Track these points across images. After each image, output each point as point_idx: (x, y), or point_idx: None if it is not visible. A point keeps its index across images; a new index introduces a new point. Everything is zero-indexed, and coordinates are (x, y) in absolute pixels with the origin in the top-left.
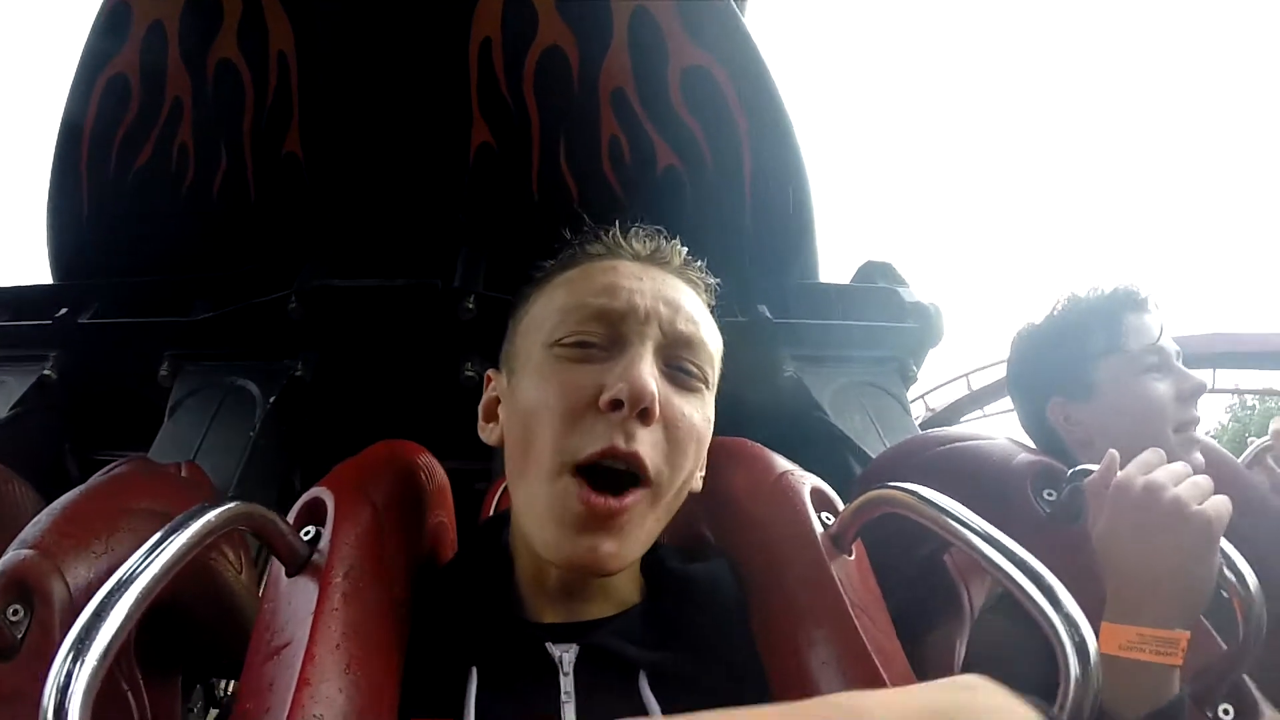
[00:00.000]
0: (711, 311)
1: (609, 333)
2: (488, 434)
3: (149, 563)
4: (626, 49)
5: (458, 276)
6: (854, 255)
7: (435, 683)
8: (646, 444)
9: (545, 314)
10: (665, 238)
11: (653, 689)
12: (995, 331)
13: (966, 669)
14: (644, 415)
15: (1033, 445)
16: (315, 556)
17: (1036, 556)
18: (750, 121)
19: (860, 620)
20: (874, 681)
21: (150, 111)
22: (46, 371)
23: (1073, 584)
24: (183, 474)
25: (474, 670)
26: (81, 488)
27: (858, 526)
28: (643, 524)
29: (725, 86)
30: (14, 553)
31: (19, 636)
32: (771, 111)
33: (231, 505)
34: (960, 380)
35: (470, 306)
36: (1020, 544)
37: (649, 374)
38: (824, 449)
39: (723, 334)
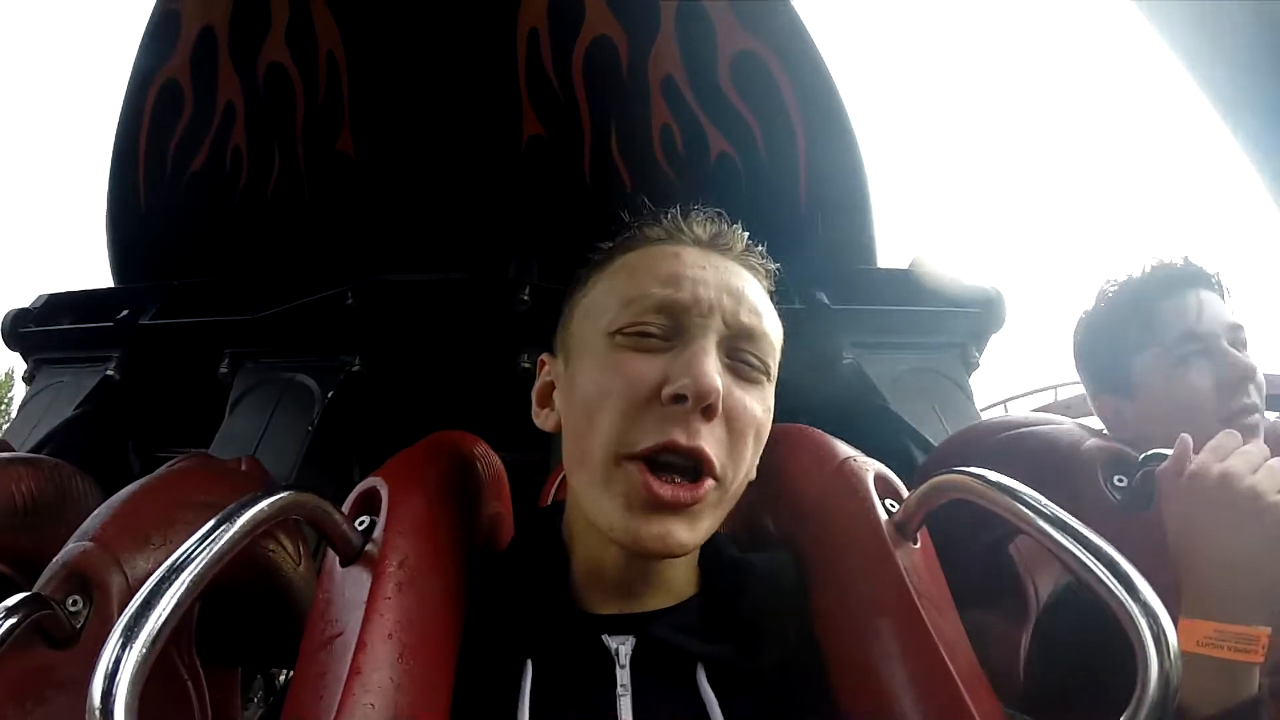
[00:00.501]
0: (771, 298)
1: (672, 324)
2: (543, 420)
3: (201, 551)
4: (674, 36)
5: (512, 269)
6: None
7: (490, 674)
8: (710, 439)
9: (605, 300)
10: (726, 222)
11: (710, 682)
12: None
13: (1031, 664)
14: (708, 411)
15: (1105, 431)
16: (369, 546)
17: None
18: (803, 105)
19: (927, 611)
20: (940, 675)
21: (203, 116)
22: (109, 372)
23: (1145, 574)
24: (243, 468)
25: (529, 662)
26: (141, 482)
27: (923, 514)
28: (713, 513)
29: (776, 71)
30: (74, 544)
31: (78, 626)
32: (824, 95)
33: (284, 494)
34: (1048, 391)
35: (525, 298)
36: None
37: (713, 369)
38: (885, 436)
39: (781, 321)
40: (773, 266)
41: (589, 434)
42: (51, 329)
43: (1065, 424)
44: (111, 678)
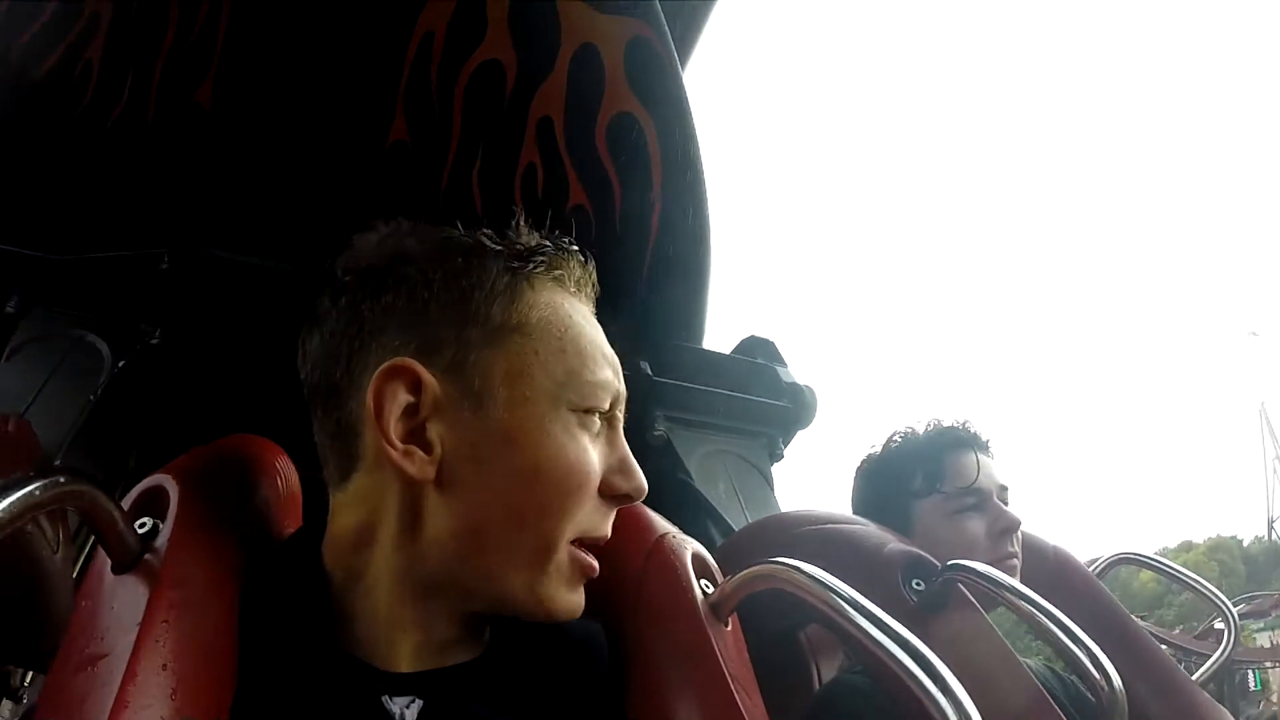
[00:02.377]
0: None
1: (607, 410)
2: (405, 459)
3: None
4: (565, 80)
5: None
6: (739, 326)
7: None
8: None
9: (553, 360)
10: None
11: None
12: None
13: None
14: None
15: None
16: (149, 555)
17: None
18: (667, 179)
19: (739, 695)
20: None
21: (66, 17)
22: None
23: None
24: (9, 428)
25: None
26: None
27: (739, 599)
28: None
29: (650, 139)
30: None
31: None
32: (690, 174)
33: (61, 481)
34: None
35: None
36: None
37: None
38: (686, 514)
39: None
40: None
41: (539, 515)
42: None
43: (869, 526)
44: None
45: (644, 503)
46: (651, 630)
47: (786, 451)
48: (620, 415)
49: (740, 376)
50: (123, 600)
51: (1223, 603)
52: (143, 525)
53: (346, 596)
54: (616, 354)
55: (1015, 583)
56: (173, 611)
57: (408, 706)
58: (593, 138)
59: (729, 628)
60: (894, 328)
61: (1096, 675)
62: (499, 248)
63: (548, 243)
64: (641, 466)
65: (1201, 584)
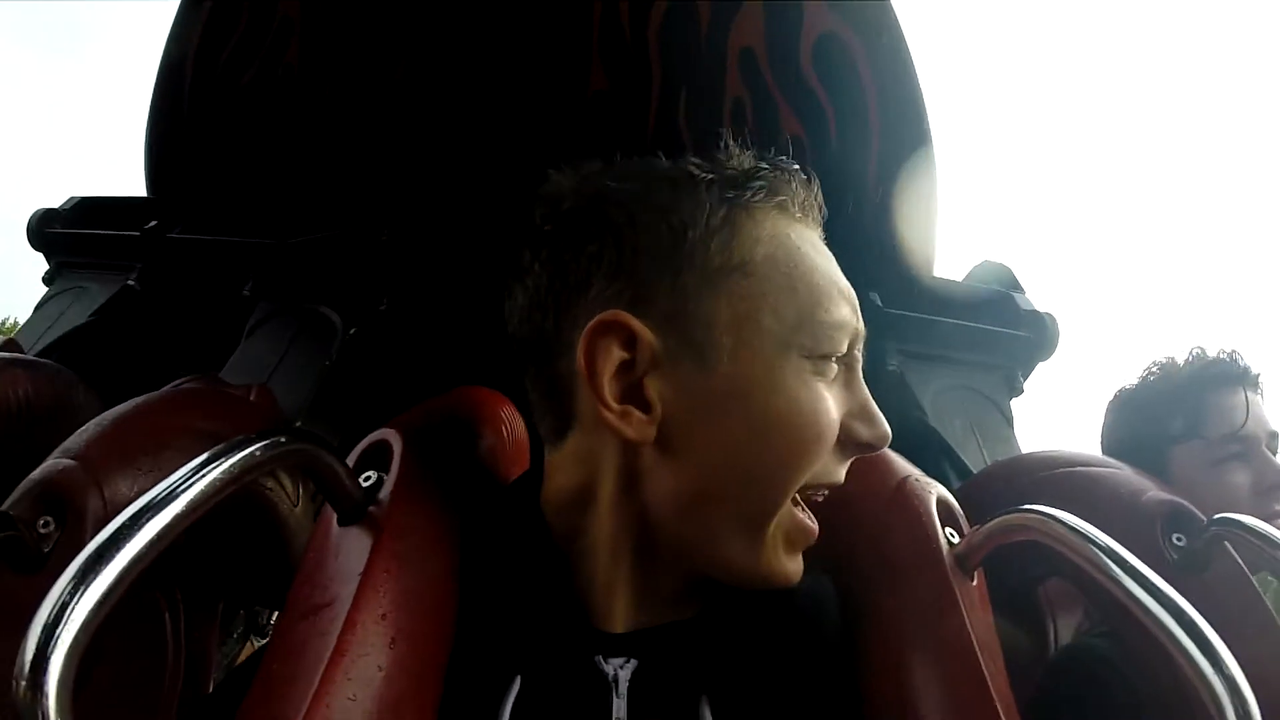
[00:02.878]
0: None
1: (845, 352)
2: (623, 420)
3: (182, 489)
4: (761, 8)
5: None
6: (972, 253)
7: (476, 681)
8: None
9: (780, 298)
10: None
11: (715, 716)
12: None
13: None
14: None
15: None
16: (373, 507)
17: None
18: (882, 99)
19: (986, 665)
20: (984, 709)
21: (259, 28)
22: (130, 282)
23: None
24: (252, 397)
25: (518, 678)
26: (137, 400)
27: (988, 550)
28: None
29: (859, 60)
30: (53, 461)
31: (46, 550)
32: (906, 92)
33: (283, 438)
34: None
35: None
36: None
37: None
38: (920, 454)
39: None
40: None
41: (770, 474)
42: (77, 233)
43: (1124, 469)
44: (52, 629)
45: None
46: (892, 584)
47: (1026, 386)
48: (859, 356)
49: (975, 305)
50: (346, 551)
51: None
52: (367, 479)
53: (565, 554)
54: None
55: None
56: (394, 562)
57: (621, 667)
58: (798, 64)
59: (974, 582)
60: (1150, 243)
61: None
62: (710, 176)
63: (764, 164)
64: (876, 402)
65: None
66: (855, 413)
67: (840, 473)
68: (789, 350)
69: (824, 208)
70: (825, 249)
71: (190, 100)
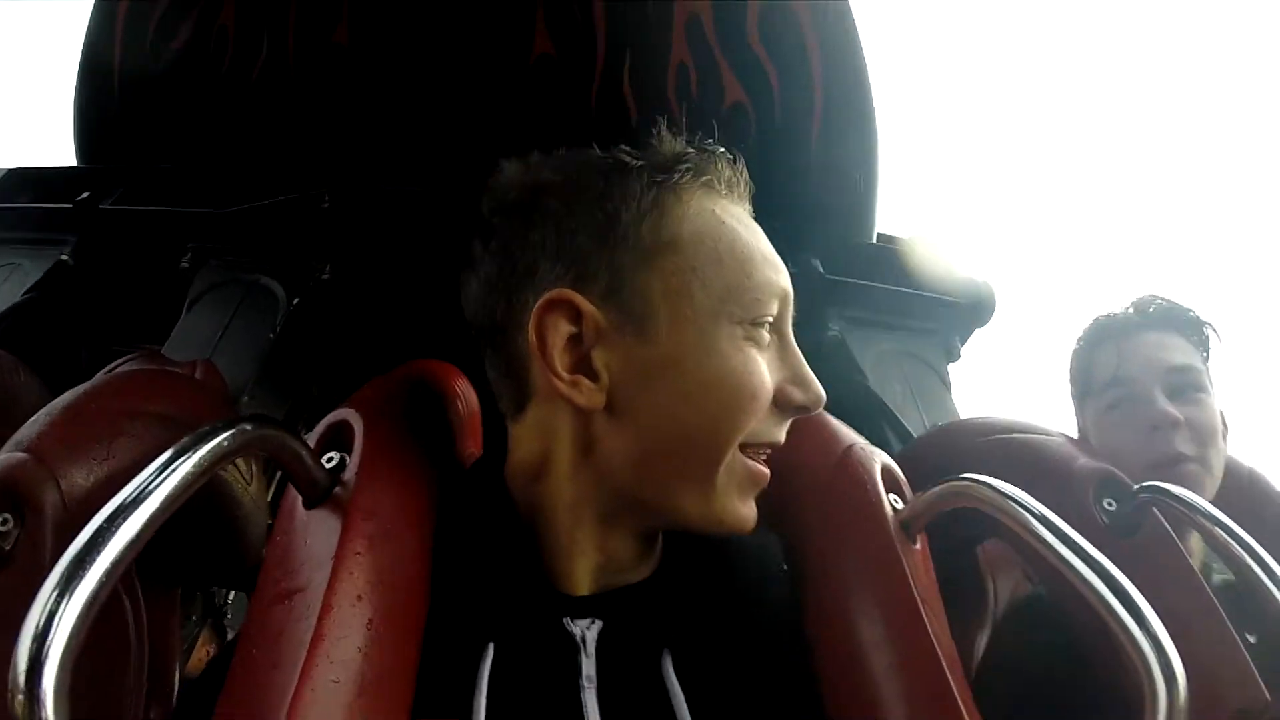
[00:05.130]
0: None
1: (776, 318)
2: (573, 389)
3: (150, 489)
4: None
5: None
6: (911, 220)
7: (451, 652)
8: None
9: (710, 270)
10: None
11: (677, 671)
12: None
13: (984, 670)
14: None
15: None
16: (338, 489)
17: None
18: (826, 64)
19: (930, 621)
20: (941, 693)
21: None
22: (64, 257)
23: None
24: (197, 374)
25: (490, 645)
26: (85, 386)
27: (930, 517)
28: None
29: (805, 25)
30: (6, 456)
31: (7, 548)
32: (849, 57)
33: (249, 427)
34: None
35: None
36: None
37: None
38: (861, 418)
39: None
40: None
41: (710, 433)
42: (6, 207)
43: (1056, 436)
44: (43, 638)
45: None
46: (837, 546)
47: (964, 352)
48: (789, 320)
49: (915, 272)
50: (315, 534)
51: None
52: (330, 459)
53: (530, 524)
54: (786, 252)
55: (1215, 511)
56: (364, 543)
57: (588, 628)
58: (744, 30)
59: (918, 546)
60: (1085, 206)
61: None
62: (640, 163)
63: (690, 148)
64: (815, 368)
65: None
66: (790, 378)
67: (779, 433)
68: (720, 318)
69: (751, 182)
70: (751, 222)
71: (121, 64)
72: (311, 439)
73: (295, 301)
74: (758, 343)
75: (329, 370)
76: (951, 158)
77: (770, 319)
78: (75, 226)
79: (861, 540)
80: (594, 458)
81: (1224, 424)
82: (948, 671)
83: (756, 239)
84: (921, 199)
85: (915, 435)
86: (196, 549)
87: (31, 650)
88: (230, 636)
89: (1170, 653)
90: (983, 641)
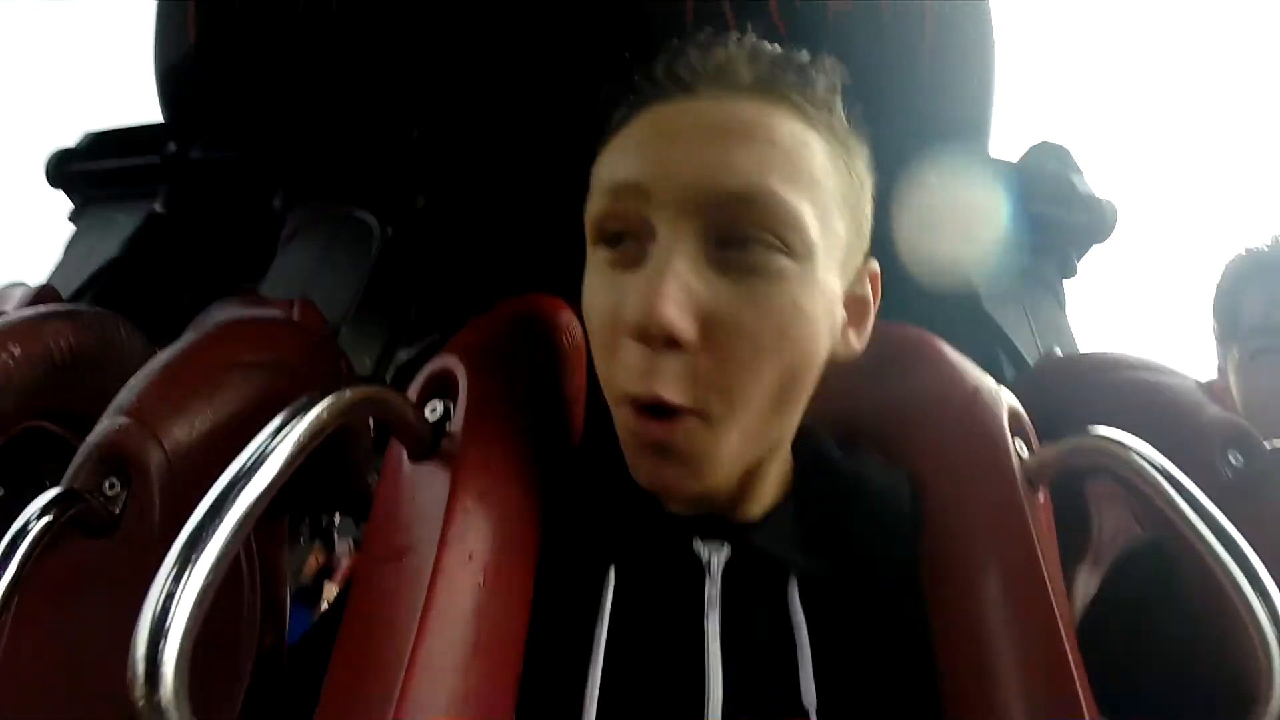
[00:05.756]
0: (833, 132)
1: (640, 221)
2: None
3: (257, 464)
4: None
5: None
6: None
7: (569, 584)
8: (676, 379)
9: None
10: (737, 41)
11: (802, 599)
12: None
13: (1095, 613)
14: (671, 345)
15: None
16: (445, 442)
17: None
18: None
19: (1050, 580)
20: (1055, 656)
21: None
22: (156, 207)
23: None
24: (294, 314)
25: (611, 569)
26: (181, 342)
27: (1058, 470)
28: (716, 446)
29: None
30: (109, 421)
31: (117, 512)
32: None
33: (347, 395)
34: None
35: None
36: None
37: (671, 289)
38: (971, 338)
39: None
40: (825, 87)
41: (600, 371)
42: (96, 167)
43: (1186, 379)
44: (161, 622)
45: (931, 323)
46: (959, 493)
47: (1080, 268)
48: (660, 214)
49: (1030, 186)
50: (423, 490)
51: None
52: (434, 409)
53: None
54: (897, 166)
55: None
56: (475, 500)
57: (716, 552)
58: None
59: (1041, 499)
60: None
61: None
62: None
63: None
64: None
65: None
66: (631, 302)
67: (636, 381)
68: (589, 245)
69: (713, 50)
70: (660, 109)
71: (195, 11)
72: (413, 389)
73: (389, 231)
74: (611, 262)
75: (427, 297)
76: (1076, 69)
77: (617, 226)
78: (165, 177)
79: (986, 490)
80: None
81: None
82: (1065, 637)
83: (631, 132)
84: (1042, 112)
85: (1027, 356)
86: (304, 477)
87: (150, 635)
88: (338, 545)
89: None
90: (1082, 577)
